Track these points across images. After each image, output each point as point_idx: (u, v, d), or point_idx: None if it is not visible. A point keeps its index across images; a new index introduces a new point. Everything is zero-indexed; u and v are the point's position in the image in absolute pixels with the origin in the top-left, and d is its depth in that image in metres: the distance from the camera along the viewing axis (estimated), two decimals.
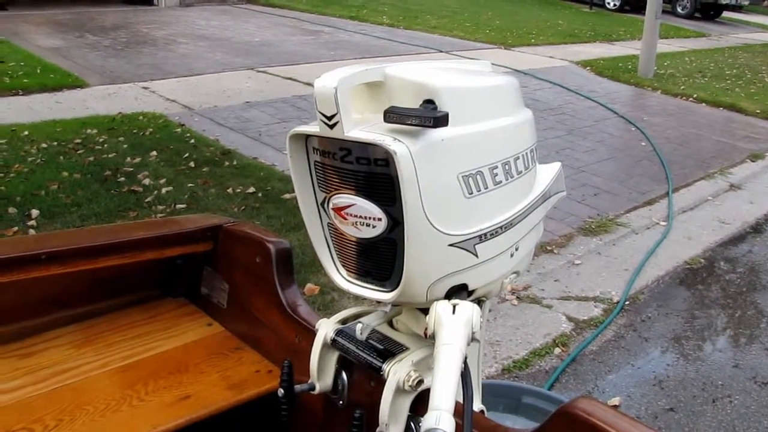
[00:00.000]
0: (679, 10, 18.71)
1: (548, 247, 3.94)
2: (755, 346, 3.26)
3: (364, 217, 0.88)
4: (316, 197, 0.94)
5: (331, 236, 0.96)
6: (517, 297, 3.41)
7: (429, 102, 0.84)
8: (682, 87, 8.86)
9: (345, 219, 0.90)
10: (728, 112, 7.88)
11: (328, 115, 0.83)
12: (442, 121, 0.80)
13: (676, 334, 3.31)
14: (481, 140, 0.89)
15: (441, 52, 9.76)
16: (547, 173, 1.08)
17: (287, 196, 4.18)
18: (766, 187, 5.54)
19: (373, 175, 0.85)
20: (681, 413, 2.72)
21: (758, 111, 7.88)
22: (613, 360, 3.04)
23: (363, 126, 0.84)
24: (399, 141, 0.80)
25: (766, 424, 2.69)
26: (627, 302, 3.50)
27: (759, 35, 16.82)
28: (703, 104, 8.14)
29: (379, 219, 0.87)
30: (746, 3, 20.22)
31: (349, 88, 0.83)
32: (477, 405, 1.08)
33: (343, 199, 0.89)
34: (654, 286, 3.74)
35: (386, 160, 0.83)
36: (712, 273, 4.00)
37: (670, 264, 3.99)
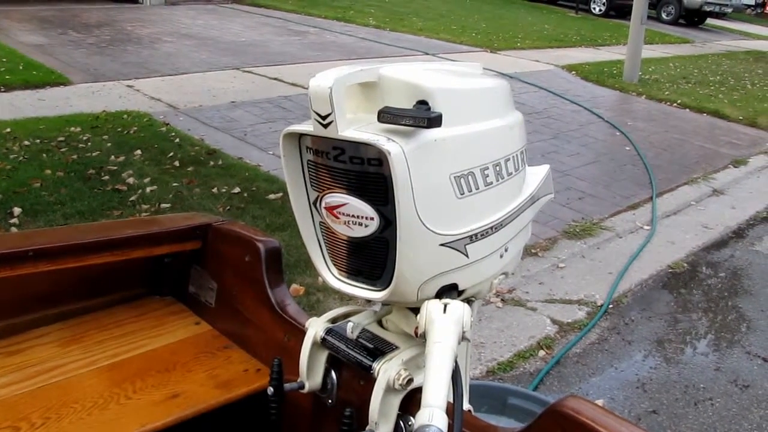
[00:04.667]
0: (664, 15, 18.90)
1: (533, 250, 3.96)
2: (736, 349, 3.30)
3: (357, 216, 0.88)
4: (308, 196, 0.94)
5: (323, 235, 0.96)
6: (502, 299, 3.42)
7: (422, 103, 0.84)
8: (667, 92, 8.95)
9: (337, 218, 0.90)
10: (711, 118, 7.96)
11: (323, 114, 0.83)
12: (435, 121, 0.81)
13: (658, 338, 3.34)
14: (473, 141, 0.89)
15: (427, 54, 9.78)
16: (536, 175, 1.09)
17: (272, 196, 4.17)
18: (748, 192, 5.60)
19: (366, 174, 0.85)
20: (663, 415, 2.75)
21: (741, 117, 7.97)
22: (596, 362, 3.06)
23: (357, 126, 0.84)
24: (393, 141, 0.81)
25: (746, 426, 2.72)
26: (611, 305, 3.53)
27: (742, 42, 17.03)
28: (687, 110, 8.22)
29: (372, 218, 0.87)
30: (730, 10, 20.44)
31: (344, 88, 0.83)
32: (465, 405, 1.08)
33: (336, 198, 0.89)
34: (637, 290, 3.77)
35: (379, 160, 0.83)
36: (695, 277, 4.04)
37: (653, 268, 4.02)
